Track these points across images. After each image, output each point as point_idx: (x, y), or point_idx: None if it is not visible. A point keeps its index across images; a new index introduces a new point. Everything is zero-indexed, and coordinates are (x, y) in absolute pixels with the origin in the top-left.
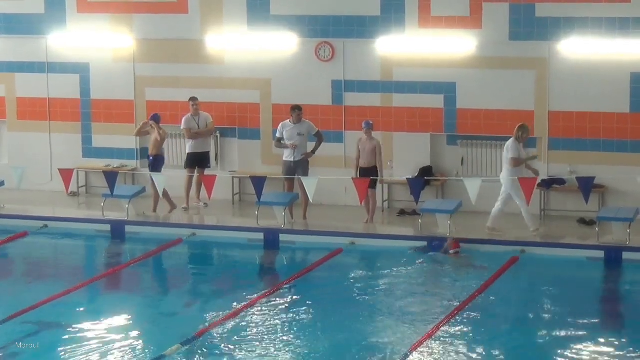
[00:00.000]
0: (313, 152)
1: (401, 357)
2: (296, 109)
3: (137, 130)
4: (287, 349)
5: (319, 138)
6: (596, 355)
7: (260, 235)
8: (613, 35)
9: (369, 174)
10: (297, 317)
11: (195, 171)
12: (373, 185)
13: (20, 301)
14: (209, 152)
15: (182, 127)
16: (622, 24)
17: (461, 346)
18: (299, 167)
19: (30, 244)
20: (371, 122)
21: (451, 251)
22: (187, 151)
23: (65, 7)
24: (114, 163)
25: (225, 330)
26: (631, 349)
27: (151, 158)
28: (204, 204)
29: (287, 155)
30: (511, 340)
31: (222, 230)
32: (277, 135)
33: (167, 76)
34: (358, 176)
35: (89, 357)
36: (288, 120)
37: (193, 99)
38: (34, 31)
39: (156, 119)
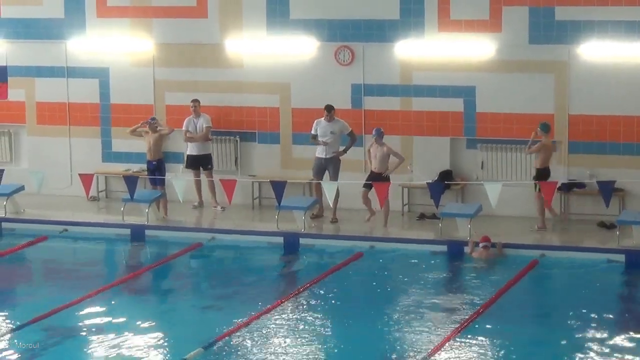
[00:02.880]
0: (345, 151)
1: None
2: (325, 109)
3: (133, 128)
4: (307, 352)
5: (352, 138)
6: (616, 358)
7: (280, 240)
8: (633, 38)
9: (380, 179)
10: (318, 321)
11: (206, 176)
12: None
13: (40, 305)
14: (208, 154)
15: (183, 128)
16: None
17: (481, 349)
18: (329, 165)
19: (50, 249)
20: (382, 130)
21: (480, 244)
22: (187, 153)
23: (84, 12)
24: (134, 167)
25: (246, 334)
26: None
27: (154, 163)
28: (221, 207)
29: (319, 152)
30: (530, 344)
31: (242, 235)
32: (312, 132)
33: (186, 80)
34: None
35: None
36: (322, 118)
37: (194, 100)
38: (54, 36)
39: (153, 121)
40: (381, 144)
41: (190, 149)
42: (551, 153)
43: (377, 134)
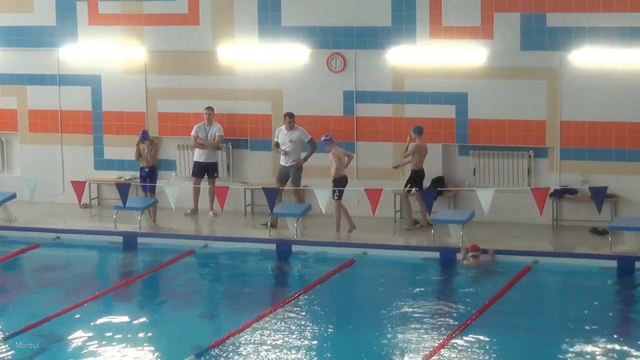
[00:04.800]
0: (305, 159)
1: None
2: (287, 116)
3: (136, 156)
4: (300, 359)
5: (312, 146)
6: None
7: (273, 246)
8: (624, 44)
9: (336, 184)
10: (310, 328)
11: (207, 182)
12: (340, 195)
13: (32, 313)
14: (215, 162)
15: (191, 134)
16: (633, 33)
17: (473, 357)
18: (290, 173)
19: (42, 256)
20: (326, 137)
21: (470, 254)
22: (194, 159)
23: (76, 20)
24: (126, 175)
25: (239, 341)
26: None
27: (147, 170)
28: (213, 213)
29: (282, 160)
30: (523, 350)
31: (235, 242)
32: (275, 139)
33: (178, 88)
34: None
35: None
36: (283, 126)
37: (208, 108)
38: (46, 44)
39: (145, 136)
40: (328, 151)
41: (198, 156)
42: (425, 155)
43: (327, 143)
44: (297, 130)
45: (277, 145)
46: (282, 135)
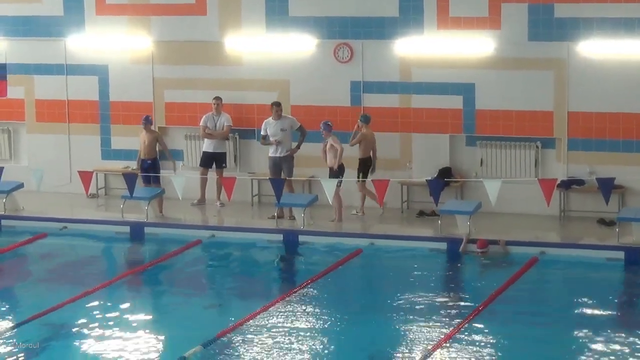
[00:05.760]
0: (297, 147)
1: (422, 357)
2: (274, 105)
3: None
4: (306, 349)
5: (302, 133)
6: (616, 355)
7: (280, 237)
8: (632, 35)
9: (332, 174)
10: (317, 319)
11: (215, 173)
12: (339, 183)
13: (39, 303)
14: (224, 152)
15: (200, 124)
16: None
17: (480, 347)
18: (284, 163)
19: (49, 246)
20: (328, 123)
21: (478, 250)
22: (202, 149)
23: (83, 10)
24: (133, 165)
25: (246, 331)
26: None
27: (149, 162)
28: (221, 204)
29: (272, 152)
30: (530, 342)
31: (242, 232)
32: (262, 132)
33: (185, 78)
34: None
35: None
36: (270, 118)
37: (216, 98)
38: (53, 33)
39: (148, 120)
40: (327, 137)
41: (207, 146)
42: (372, 143)
43: (325, 129)
44: (286, 118)
45: (265, 137)
46: (271, 126)
